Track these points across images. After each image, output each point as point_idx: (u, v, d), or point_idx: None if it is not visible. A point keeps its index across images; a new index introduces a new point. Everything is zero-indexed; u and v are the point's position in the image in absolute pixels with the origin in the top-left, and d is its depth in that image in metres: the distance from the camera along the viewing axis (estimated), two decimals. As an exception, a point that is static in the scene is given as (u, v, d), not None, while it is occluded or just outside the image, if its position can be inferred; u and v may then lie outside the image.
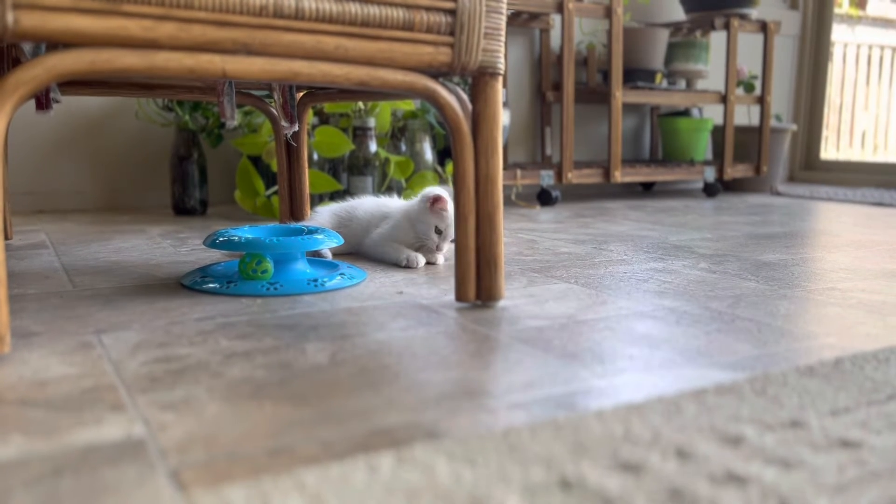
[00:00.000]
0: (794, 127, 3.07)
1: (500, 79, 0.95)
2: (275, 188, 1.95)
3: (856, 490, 0.48)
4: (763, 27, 2.74)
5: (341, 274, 1.14)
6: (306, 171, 1.54)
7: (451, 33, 0.90)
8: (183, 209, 2.09)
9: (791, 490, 0.47)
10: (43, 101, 1.06)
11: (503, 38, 0.94)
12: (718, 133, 2.91)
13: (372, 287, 1.11)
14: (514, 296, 1.05)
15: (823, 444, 0.55)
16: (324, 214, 1.43)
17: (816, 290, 1.09)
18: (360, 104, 2.03)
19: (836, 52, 3.77)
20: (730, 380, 0.69)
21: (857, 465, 0.51)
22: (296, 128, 1.39)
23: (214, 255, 1.39)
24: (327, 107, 2.03)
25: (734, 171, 2.76)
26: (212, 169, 2.31)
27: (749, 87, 2.96)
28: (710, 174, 2.70)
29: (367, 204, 1.42)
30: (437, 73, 0.94)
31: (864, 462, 0.52)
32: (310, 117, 1.90)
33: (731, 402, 0.63)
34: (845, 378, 0.69)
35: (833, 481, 0.49)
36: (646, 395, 0.66)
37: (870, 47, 3.96)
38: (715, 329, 0.88)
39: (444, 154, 2.30)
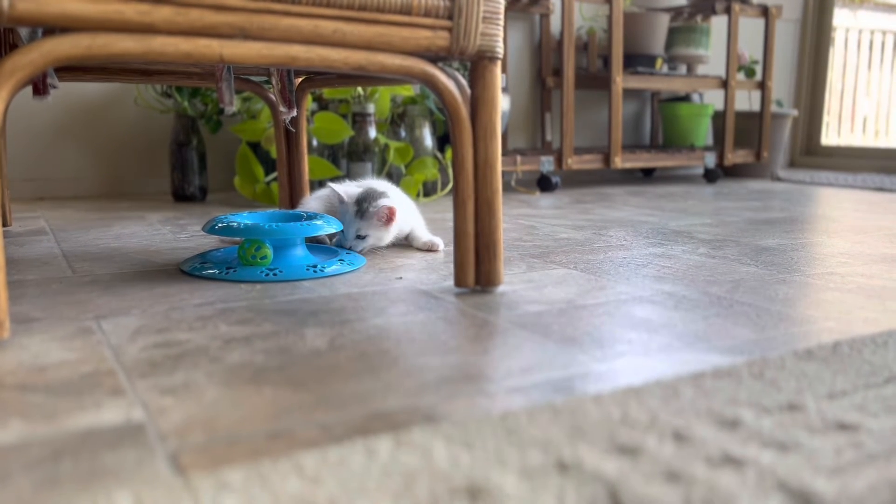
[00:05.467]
0: (795, 112, 3.06)
1: (499, 63, 0.95)
2: (274, 174, 1.95)
3: (853, 472, 0.48)
4: (764, 11, 2.73)
5: (340, 260, 1.14)
6: (306, 157, 1.54)
7: (450, 17, 0.90)
8: (182, 196, 2.09)
9: (788, 472, 0.48)
10: (40, 86, 1.06)
11: (502, 22, 0.94)
12: (719, 119, 2.90)
13: (371, 273, 1.11)
14: (513, 281, 1.05)
15: (820, 427, 0.55)
16: (314, 200, 1.42)
17: (815, 275, 1.09)
18: (360, 90, 2.02)
19: (838, 37, 3.75)
20: (728, 364, 0.69)
21: (854, 447, 0.51)
22: (294, 113, 1.38)
23: (214, 242, 1.39)
24: (326, 93, 2.02)
25: (735, 157, 2.76)
26: (211, 155, 2.30)
27: (750, 73, 2.95)
28: (710, 160, 2.69)
29: (351, 189, 1.39)
30: (435, 57, 0.94)
31: (860, 445, 0.52)
32: (309, 103, 1.90)
33: (729, 386, 0.63)
34: (843, 362, 0.69)
35: (830, 464, 0.49)
36: (644, 379, 0.66)
37: (871, 32, 3.94)
38: (713, 314, 0.88)
39: (443, 140, 2.30)
